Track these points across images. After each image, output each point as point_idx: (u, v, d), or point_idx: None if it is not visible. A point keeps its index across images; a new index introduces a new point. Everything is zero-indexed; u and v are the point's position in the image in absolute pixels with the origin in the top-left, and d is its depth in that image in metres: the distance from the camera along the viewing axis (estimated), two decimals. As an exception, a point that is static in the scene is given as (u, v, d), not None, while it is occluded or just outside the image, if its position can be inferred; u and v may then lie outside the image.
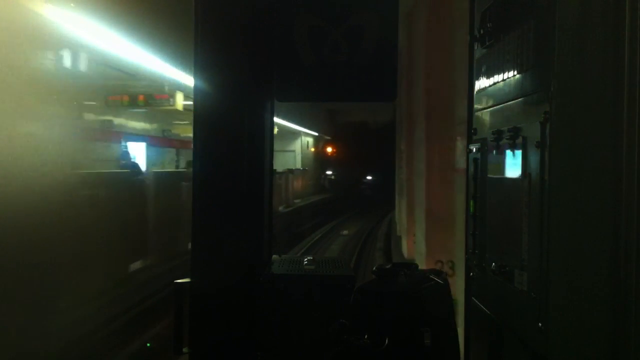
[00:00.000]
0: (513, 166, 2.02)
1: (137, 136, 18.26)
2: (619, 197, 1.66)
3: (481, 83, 2.47)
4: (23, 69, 7.19)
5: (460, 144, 6.43)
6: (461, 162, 6.52)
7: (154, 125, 20.16)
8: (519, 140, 1.93)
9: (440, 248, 7.96)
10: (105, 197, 9.44)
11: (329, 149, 46.79)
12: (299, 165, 32.92)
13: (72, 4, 8.41)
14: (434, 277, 2.25)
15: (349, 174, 45.85)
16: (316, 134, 40.50)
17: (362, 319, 2.11)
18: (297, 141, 35.09)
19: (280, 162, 28.25)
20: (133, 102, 15.16)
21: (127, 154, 15.80)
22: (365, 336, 2.05)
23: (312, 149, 40.82)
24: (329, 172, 45.15)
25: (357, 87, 2.72)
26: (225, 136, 2.58)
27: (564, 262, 1.69)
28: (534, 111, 1.83)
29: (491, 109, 2.30)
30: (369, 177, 48.13)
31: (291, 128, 31.00)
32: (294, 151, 34.91)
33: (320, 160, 43.24)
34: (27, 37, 7.35)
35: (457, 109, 7.08)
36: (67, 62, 10.25)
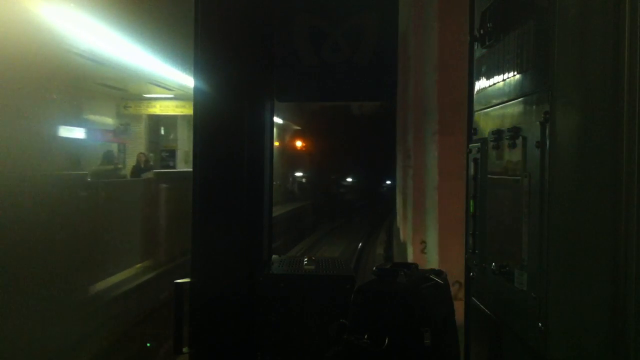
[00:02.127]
0: (513, 166, 2.02)
1: None
2: (619, 197, 1.66)
3: (481, 83, 2.47)
4: None
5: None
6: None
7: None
8: (519, 140, 1.93)
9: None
10: None
11: (299, 143, 34.74)
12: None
13: None
14: (434, 277, 2.25)
15: (326, 176, 36.90)
16: (280, 121, 28.99)
17: (362, 319, 2.11)
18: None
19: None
20: None
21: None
22: (365, 336, 2.05)
23: (276, 143, 27.65)
24: (298, 174, 34.17)
25: (356, 87, 2.73)
26: (225, 136, 2.58)
27: (564, 262, 1.69)
28: (534, 111, 1.83)
29: (491, 109, 2.30)
30: (349, 179, 41.24)
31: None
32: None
33: (286, 158, 31.83)
34: None
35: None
36: None
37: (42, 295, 6.74)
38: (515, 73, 2.02)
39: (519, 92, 1.99)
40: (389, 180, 35.99)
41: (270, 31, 2.69)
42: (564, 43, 1.71)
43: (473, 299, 2.50)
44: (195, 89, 2.57)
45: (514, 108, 2.04)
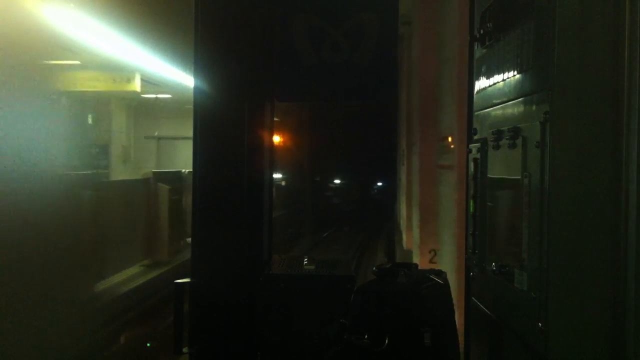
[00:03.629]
0: (513, 166, 2.02)
1: None
2: (618, 197, 1.66)
3: (481, 83, 2.47)
4: None
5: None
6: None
7: None
8: (519, 140, 1.93)
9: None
10: None
11: (276, 138, 25.02)
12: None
13: None
14: (434, 277, 2.25)
15: (309, 178, 30.06)
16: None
17: (362, 319, 2.11)
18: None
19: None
20: None
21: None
22: (365, 336, 2.05)
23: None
24: (276, 176, 26.24)
25: (356, 87, 2.73)
26: (225, 136, 2.58)
27: (564, 262, 1.69)
28: (534, 111, 1.83)
29: (491, 109, 2.30)
30: (336, 181, 36.89)
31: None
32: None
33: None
34: None
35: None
36: None
37: None
38: (515, 73, 2.02)
39: (519, 92, 1.99)
40: (380, 182, 34.30)
41: (270, 31, 2.69)
42: (564, 43, 1.71)
43: (473, 299, 2.50)
44: (195, 88, 2.57)
45: (514, 108, 2.04)
